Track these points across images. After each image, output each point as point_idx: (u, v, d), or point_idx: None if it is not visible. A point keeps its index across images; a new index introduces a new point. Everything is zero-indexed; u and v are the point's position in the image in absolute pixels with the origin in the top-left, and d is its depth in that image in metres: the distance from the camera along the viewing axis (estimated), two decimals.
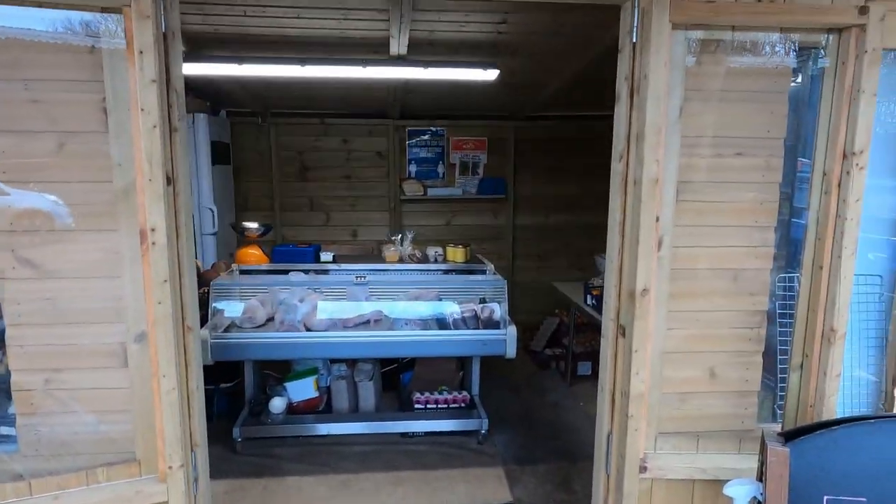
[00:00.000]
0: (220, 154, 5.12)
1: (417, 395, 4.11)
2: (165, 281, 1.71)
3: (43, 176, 1.77)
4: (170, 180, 1.76)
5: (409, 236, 4.53)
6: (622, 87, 1.95)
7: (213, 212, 4.93)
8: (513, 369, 5.06)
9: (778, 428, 2.11)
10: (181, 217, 1.82)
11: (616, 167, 2.01)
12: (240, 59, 3.59)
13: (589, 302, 4.25)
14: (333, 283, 4.11)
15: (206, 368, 3.54)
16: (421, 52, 3.69)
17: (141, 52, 1.61)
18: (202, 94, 4.93)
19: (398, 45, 3.46)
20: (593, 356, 5.00)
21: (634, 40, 1.88)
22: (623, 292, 1.96)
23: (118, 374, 1.85)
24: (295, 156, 5.77)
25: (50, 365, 1.87)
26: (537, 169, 6.00)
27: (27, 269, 1.80)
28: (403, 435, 3.99)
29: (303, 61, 3.60)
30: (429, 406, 4.09)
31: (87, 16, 1.63)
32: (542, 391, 4.88)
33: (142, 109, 1.63)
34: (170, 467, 1.82)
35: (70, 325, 1.85)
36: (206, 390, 4.28)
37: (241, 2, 3.00)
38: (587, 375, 5.02)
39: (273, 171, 5.73)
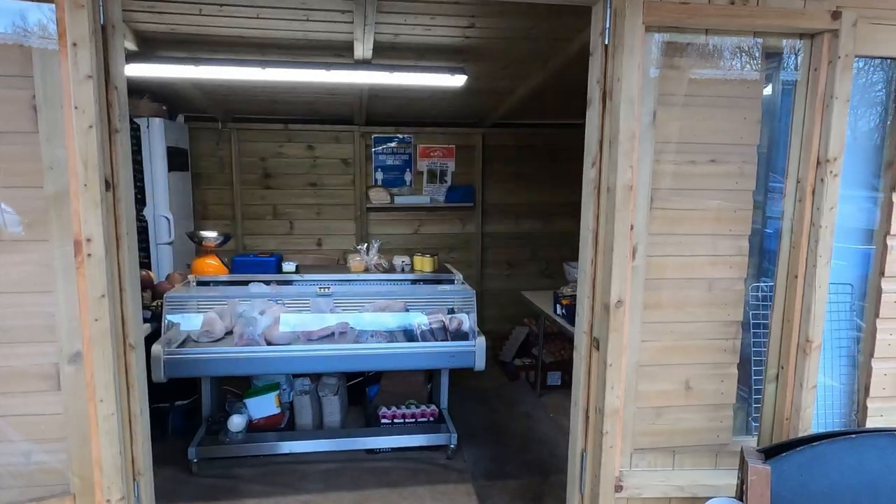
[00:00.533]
0: (177, 160, 4.92)
1: (384, 409, 3.97)
2: (103, 296, 1.56)
3: None
4: (109, 185, 1.61)
5: (376, 245, 4.40)
6: (594, 91, 1.88)
7: (168, 220, 4.72)
8: (482, 380, 4.97)
9: (754, 442, 2.06)
10: (122, 226, 1.67)
11: (588, 174, 1.94)
12: (196, 61, 3.43)
13: (559, 312, 4.19)
14: (296, 295, 3.95)
15: (160, 385, 3.37)
16: (386, 55, 3.59)
17: (75, 45, 1.46)
18: (158, 98, 4.72)
19: (363, 49, 3.35)
20: (563, 366, 4.94)
21: (606, 42, 1.81)
22: (597, 304, 1.89)
23: (52, 398, 1.68)
24: (257, 162, 5.59)
25: None
26: (506, 176, 5.95)
27: None
28: (370, 451, 3.85)
29: (263, 64, 3.46)
30: (395, 421, 3.96)
31: (15, 4, 1.48)
32: (511, 402, 4.80)
33: (76, 108, 1.48)
34: (108, 500, 1.65)
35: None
36: (160, 408, 4.12)
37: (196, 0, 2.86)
38: (557, 385, 4.96)
39: (234, 179, 5.54)
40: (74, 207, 1.52)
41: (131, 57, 3.37)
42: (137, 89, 4.54)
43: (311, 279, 4.15)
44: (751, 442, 2.03)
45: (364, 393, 4.40)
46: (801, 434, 1.85)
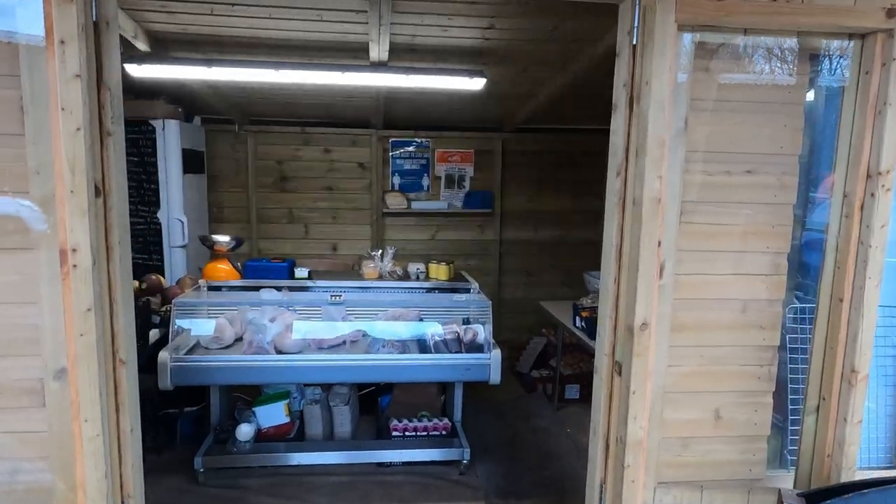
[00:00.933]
0: (192, 162, 4.87)
1: (395, 422, 3.85)
2: (89, 309, 1.46)
3: None
4: (99, 192, 1.52)
5: (390, 252, 4.29)
6: (620, 96, 1.74)
7: (182, 223, 4.66)
8: (498, 392, 4.81)
9: (790, 477, 1.89)
10: (114, 234, 1.57)
11: (613, 184, 1.80)
12: (209, 62, 3.35)
13: (578, 324, 4.03)
14: (307, 302, 3.86)
15: (169, 391, 3.30)
16: (403, 58, 3.48)
17: (62, 42, 1.37)
18: (174, 100, 4.68)
19: (378, 51, 3.24)
20: (581, 379, 4.77)
21: (634, 42, 1.67)
22: (620, 325, 1.74)
23: (37, 414, 1.59)
24: (274, 165, 5.52)
25: None
26: (526, 183, 5.80)
27: None
28: (380, 465, 3.73)
29: (277, 65, 3.37)
30: (407, 434, 3.83)
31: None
32: (528, 416, 4.64)
33: (62, 109, 1.39)
34: None
35: None
36: (169, 414, 4.04)
37: None
38: (575, 399, 4.79)
39: (250, 181, 5.48)
40: (60, 215, 1.43)
41: (143, 58, 3.32)
42: (153, 91, 4.50)
43: (323, 286, 4.05)
44: (786, 478, 1.87)
45: (376, 402, 4.29)
46: (843, 473, 1.68)
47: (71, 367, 1.48)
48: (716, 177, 1.79)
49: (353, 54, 3.43)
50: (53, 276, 1.46)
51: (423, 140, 5.62)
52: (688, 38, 1.69)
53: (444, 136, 5.63)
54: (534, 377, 5.20)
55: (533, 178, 5.80)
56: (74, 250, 1.43)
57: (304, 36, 3.21)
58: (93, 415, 1.50)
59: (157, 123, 4.50)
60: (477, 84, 3.62)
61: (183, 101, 4.75)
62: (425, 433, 3.84)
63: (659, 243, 1.69)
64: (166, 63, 3.34)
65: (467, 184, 5.74)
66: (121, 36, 3.02)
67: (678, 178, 1.75)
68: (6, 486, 1.64)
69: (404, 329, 3.76)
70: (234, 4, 2.81)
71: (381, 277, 4.21)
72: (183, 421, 4.08)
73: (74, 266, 1.44)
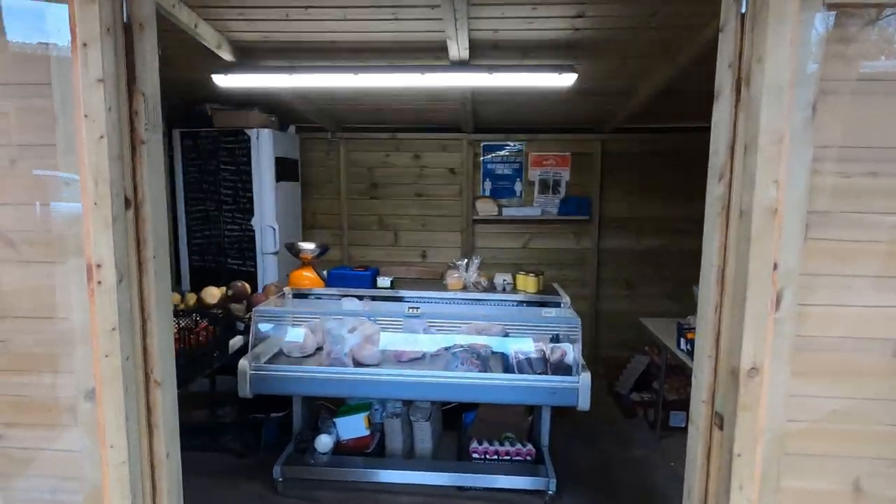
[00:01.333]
0: (285, 170, 4.95)
1: (475, 444, 3.61)
2: (114, 329, 1.37)
3: None
4: (129, 203, 1.43)
5: (476, 262, 4.07)
6: (724, 79, 1.40)
7: (274, 230, 4.74)
8: (592, 414, 4.42)
9: None
10: (148, 249, 1.48)
11: (714, 190, 1.46)
12: (290, 69, 3.33)
13: (683, 347, 3.57)
14: (387, 313, 3.74)
15: (255, 398, 3.30)
16: (487, 55, 3.26)
17: (85, 46, 1.29)
18: (268, 110, 4.78)
19: (458, 49, 3.04)
20: (689, 405, 4.27)
21: (743, 10, 1.32)
22: (722, 367, 1.39)
23: (72, 434, 1.53)
24: (364, 172, 5.50)
25: (2, 419, 1.59)
26: (627, 187, 5.35)
27: None
28: (460, 488, 3.51)
29: (356, 69, 3.28)
30: (488, 458, 3.58)
31: (34, 4, 1.34)
32: (625, 443, 4.22)
33: (85, 116, 1.31)
34: None
35: (22, 373, 1.56)
36: (256, 419, 4.09)
37: (281, 3, 2.72)
38: (681, 427, 4.29)
39: (342, 188, 5.50)
40: (86, 228, 1.35)
41: (229, 68, 3.35)
42: (248, 101, 4.62)
43: (405, 296, 3.92)
44: None
45: (460, 417, 4.09)
46: None
47: (98, 389, 1.40)
48: (855, 179, 1.39)
49: (433, 54, 3.25)
50: (82, 293, 1.39)
51: (516, 143, 5.36)
52: (817, 1, 1.32)
53: (538, 138, 5.32)
54: (634, 400, 4.75)
55: (635, 182, 5.33)
56: (99, 266, 1.35)
57: (382, 37, 3.08)
58: (118, 441, 1.41)
59: (251, 133, 4.61)
60: (567, 80, 3.32)
61: (277, 110, 4.85)
62: (508, 458, 3.58)
63: (775, 266, 1.32)
64: (251, 72, 3.35)
65: (563, 189, 5.39)
66: (205, 47, 3.07)
67: (803, 182, 1.37)
68: None
69: (487, 345, 3.52)
70: (307, 7, 2.73)
71: (465, 288, 4.01)
72: (268, 426, 4.11)
73: (99, 282, 1.35)
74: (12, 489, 1.60)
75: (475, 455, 3.57)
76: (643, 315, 4.61)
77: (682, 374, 4.42)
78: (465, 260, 4.04)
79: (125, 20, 1.39)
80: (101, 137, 1.31)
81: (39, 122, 1.44)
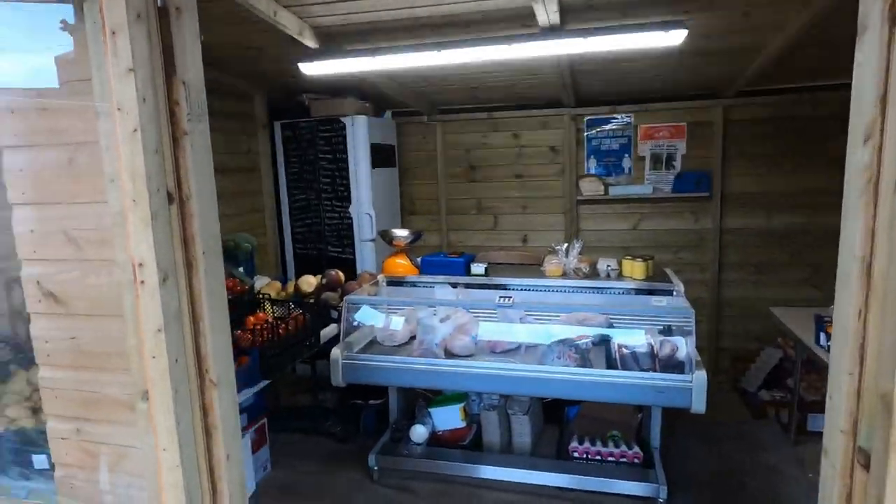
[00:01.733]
0: (382, 156, 4.91)
1: (575, 443, 3.36)
2: (159, 330, 1.32)
3: (55, 196, 1.51)
4: (173, 198, 1.36)
5: (577, 246, 3.77)
6: (870, 9, 1.05)
7: (371, 216, 4.73)
8: (713, 413, 3.99)
9: None
10: (196, 246, 1.42)
11: (857, 157, 1.11)
12: (373, 52, 3.22)
13: (822, 343, 3.06)
14: (481, 302, 3.57)
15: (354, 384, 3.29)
16: (579, 18, 2.94)
17: (113, 34, 1.23)
18: (363, 96, 4.75)
19: (546, 13, 2.76)
20: None
21: None
22: (867, 389, 1.06)
23: (136, 432, 1.53)
24: (462, 154, 5.34)
25: (79, 413, 1.62)
26: (754, 158, 4.73)
27: (50, 303, 1.57)
28: (560, 489, 3.29)
29: (439, 46, 3.10)
30: (590, 458, 3.32)
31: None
32: (752, 448, 3.75)
33: (118, 109, 1.25)
34: None
35: (91, 370, 1.58)
36: (355, 405, 4.12)
37: None
38: (821, 432, 3.73)
39: (439, 172, 5.38)
40: (126, 226, 1.30)
41: (313, 55, 3.32)
42: (342, 89, 4.61)
43: (499, 283, 3.72)
44: None
45: (562, 410, 3.84)
46: None
47: (150, 391, 1.35)
48: None
49: (520, 22, 2.99)
50: (130, 292, 1.35)
51: (623, 116, 4.92)
52: None
53: (648, 109, 4.85)
54: (763, 399, 4.22)
55: (764, 153, 4.70)
56: (141, 265, 1.29)
57: (464, 8, 2.87)
58: (169, 444, 1.37)
59: (346, 120, 4.61)
60: (675, 38, 2.91)
61: (370, 96, 4.81)
62: (612, 460, 3.29)
63: None
64: (334, 58, 3.29)
65: (678, 163, 4.88)
66: (287, 35, 3.04)
67: None
68: (126, 499, 1.61)
69: (587, 337, 3.24)
70: None
71: (565, 275, 3.73)
72: (367, 413, 4.13)
73: (142, 282, 1.30)
74: (92, 482, 1.64)
75: (575, 454, 3.32)
76: (774, 303, 4.06)
77: (824, 370, 3.84)
78: (566, 244, 3.76)
79: (160, 5, 1.32)
80: (135, 130, 1.25)
81: (89, 119, 1.41)
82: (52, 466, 1.70)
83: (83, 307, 1.53)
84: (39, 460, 1.76)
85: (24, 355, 2.14)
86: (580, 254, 3.78)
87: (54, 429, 1.65)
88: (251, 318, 3.12)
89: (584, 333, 3.24)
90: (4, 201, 1.55)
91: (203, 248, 1.43)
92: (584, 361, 3.06)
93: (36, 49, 1.49)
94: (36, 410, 1.97)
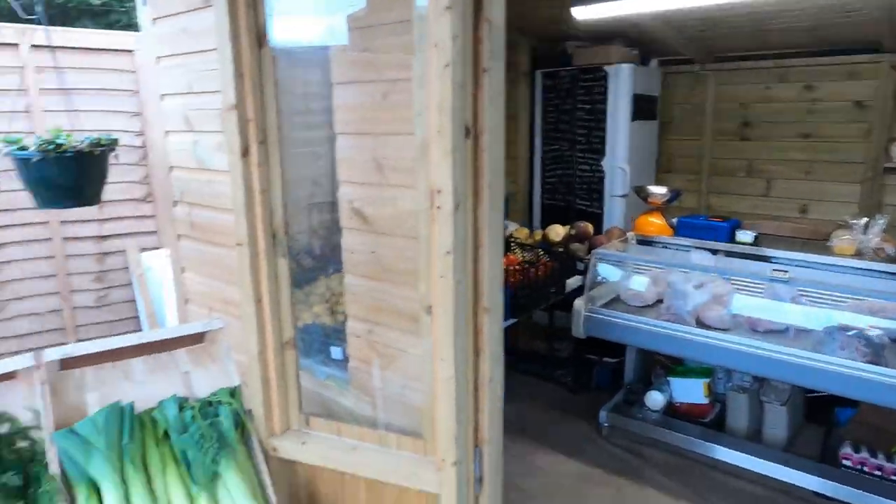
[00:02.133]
0: (643, 108, 4.63)
1: (849, 449, 2.89)
2: (448, 253, 1.44)
3: (369, 128, 1.73)
4: (469, 132, 1.46)
5: (880, 222, 3.15)
6: None
7: (624, 171, 4.54)
8: None
9: None
10: (484, 178, 1.51)
11: None
12: None
13: None
14: (746, 273, 3.21)
15: (590, 338, 3.31)
16: None
17: None
18: (630, 43, 4.50)
19: None
20: None
21: None
22: None
23: (418, 341, 1.73)
24: (736, 109, 4.76)
25: (371, 317, 1.89)
26: None
27: (358, 220, 1.83)
28: (821, 495, 2.89)
29: None
30: (866, 470, 2.83)
31: None
32: None
33: (435, 45, 1.35)
34: (443, 460, 1.61)
35: (385, 283, 1.81)
36: (589, 360, 4.11)
37: None
38: None
39: (706, 128, 4.89)
40: (430, 155, 1.43)
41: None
42: (609, 35, 4.42)
43: (771, 255, 3.30)
44: None
45: (829, 411, 3.34)
46: None
47: (434, 307, 1.51)
48: None
49: None
50: (426, 216, 1.50)
51: None
52: None
53: None
54: None
55: None
56: (439, 191, 1.42)
57: None
58: (447, 356, 1.51)
59: (609, 69, 4.43)
60: None
61: (639, 43, 4.53)
62: (893, 478, 2.77)
63: None
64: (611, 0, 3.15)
65: None
66: None
67: None
68: (399, 398, 1.86)
69: (882, 329, 2.71)
70: None
71: (858, 255, 3.16)
72: (600, 369, 4.11)
73: (438, 208, 1.43)
74: (376, 376, 1.92)
75: (846, 462, 2.87)
76: None
77: None
78: (865, 219, 3.15)
79: None
80: (447, 66, 1.35)
81: (403, 58, 1.57)
82: (346, 358, 2.03)
83: (384, 226, 1.75)
84: (336, 352, 2.10)
85: (321, 265, 2.51)
86: (883, 232, 3.15)
87: (352, 327, 1.95)
88: (503, 260, 3.28)
89: (880, 326, 2.71)
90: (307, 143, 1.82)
91: (489, 181, 1.51)
92: (877, 358, 2.58)
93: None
94: (333, 311, 2.33)
